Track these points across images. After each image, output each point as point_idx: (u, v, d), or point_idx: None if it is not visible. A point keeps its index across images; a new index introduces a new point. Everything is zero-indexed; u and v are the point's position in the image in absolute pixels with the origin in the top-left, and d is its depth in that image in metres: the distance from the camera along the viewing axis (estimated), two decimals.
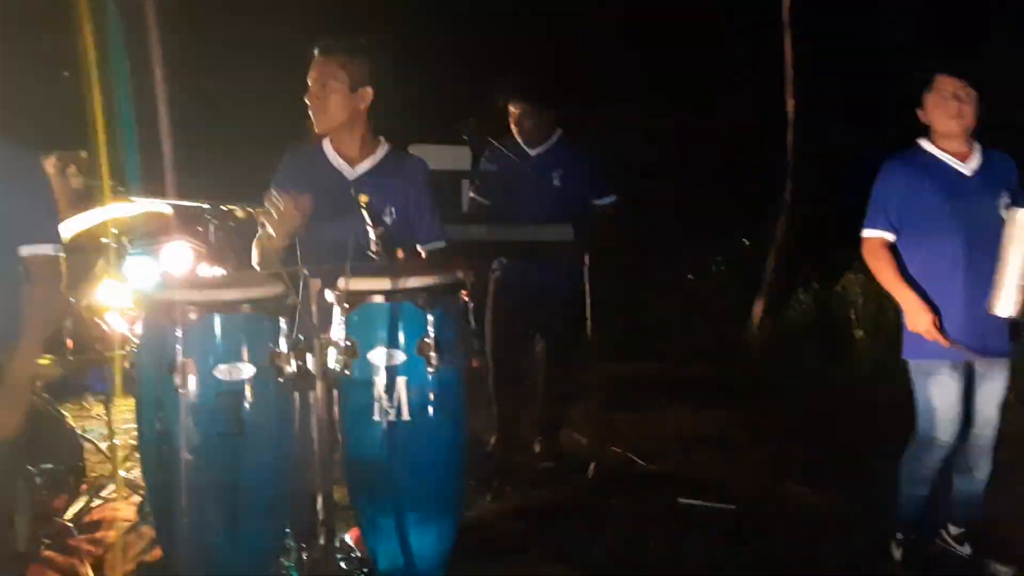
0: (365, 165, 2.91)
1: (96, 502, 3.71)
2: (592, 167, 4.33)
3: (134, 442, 4.41)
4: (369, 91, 2.83)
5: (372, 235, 2.55)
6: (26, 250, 2.46)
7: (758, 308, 6.97)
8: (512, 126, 4.23)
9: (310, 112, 2.85)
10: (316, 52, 2.84)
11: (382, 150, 2.95)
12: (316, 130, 2.85)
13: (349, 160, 2.91)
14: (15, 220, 2.43)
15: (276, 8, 5.36)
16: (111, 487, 3.84)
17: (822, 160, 6.68)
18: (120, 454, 3.99)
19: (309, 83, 2.83)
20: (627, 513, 3.79)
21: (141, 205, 3.90)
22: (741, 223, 7.51)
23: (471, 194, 4.25)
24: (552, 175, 4.23)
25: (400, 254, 2.61)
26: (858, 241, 3.19)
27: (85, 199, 4.14)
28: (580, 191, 4.26)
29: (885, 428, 3.72)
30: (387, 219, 2.76)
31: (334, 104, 2.80)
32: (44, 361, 3.47)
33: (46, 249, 2.48)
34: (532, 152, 4.26)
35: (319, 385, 2.36)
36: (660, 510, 3.79)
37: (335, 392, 2.45)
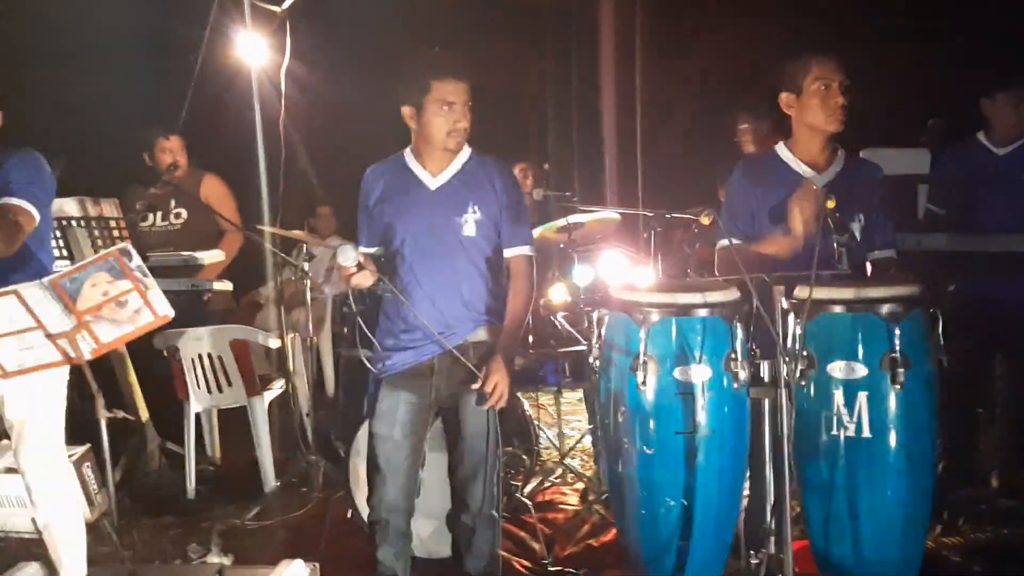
0: (830, 172, 2.85)
1: (546, 485, 4.06)
2: None
3: (575, 432, 4.77)
4: None
5: (837, 243, 2.48)
6: (509, 252, 2.85)
7: None
8: (987, 122, 3.82)
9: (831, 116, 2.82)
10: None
11: (841, 156, 2.88)
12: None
13: (814, 166, 2.86)
14: (502, 229, 2.84)
15: (725, 22, 5.43)
16: (558, 472, 4.18)
17: None
18: (566, 444, 4.32)
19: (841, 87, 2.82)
20: None
21: (592, 213, 4.19)
22: None
23: (928, 205, 3.94)
24: None
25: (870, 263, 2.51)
26: None
27: (542, 207, 4.57)
28: None
29: None
30: (855, 226, 2.67)
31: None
32: None
33: (524, 251, 2.87)
34: (1000, 151, 3.83)
35: (778, 394, 2.35)
36: None
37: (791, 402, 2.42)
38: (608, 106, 5.66)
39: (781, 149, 2.92)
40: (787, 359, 2.39)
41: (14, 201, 2.80)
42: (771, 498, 2.48)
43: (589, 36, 5.79)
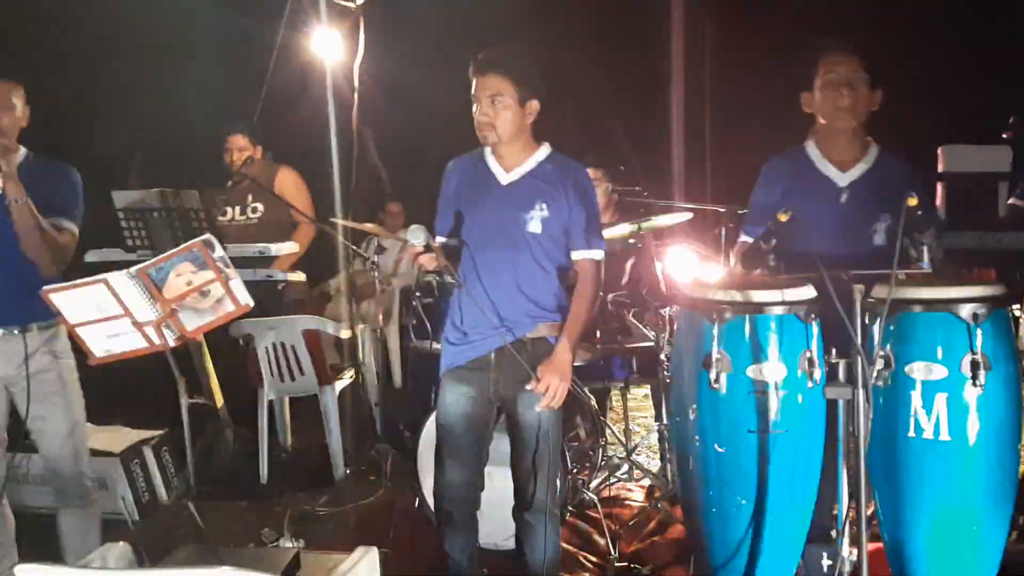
0: (856, 171, 2.79)
1: (612, 480, 4.06)
2: None
3: (639, 428, 4.75)
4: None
5: (918, 241, 2.42)
6: (576, 255, 2.85)
7: None
8: None
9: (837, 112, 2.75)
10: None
11: (873, 153, 2.81)
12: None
13: (839, 164, 2.80)
14: (571, 231, 2.83)
15: (796, 14, 5.35)
16: (624, 468, 4.17)
17: None
18: (632, 440, 4.31)
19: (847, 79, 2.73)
20: None
21: (666, 211, 4.16)
22: None
23: (1010, 200, 3.83)
24: None
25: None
26: None
27: (614, 206, 4.55)
28: None
29: None
30: (880, 226, 2.66)
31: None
32: None
33: (592, 254, 2.85)
34: None
35: (854, 394, 2.31)
36: None
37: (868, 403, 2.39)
38: (677, 101, 5.63)
39: (809, 146, 2.85)
40: (864, 358, 2.35)
41: (66, 224, 3.02)
42: (845, 499, 2.44)
43: (658, 31, 5.75)
